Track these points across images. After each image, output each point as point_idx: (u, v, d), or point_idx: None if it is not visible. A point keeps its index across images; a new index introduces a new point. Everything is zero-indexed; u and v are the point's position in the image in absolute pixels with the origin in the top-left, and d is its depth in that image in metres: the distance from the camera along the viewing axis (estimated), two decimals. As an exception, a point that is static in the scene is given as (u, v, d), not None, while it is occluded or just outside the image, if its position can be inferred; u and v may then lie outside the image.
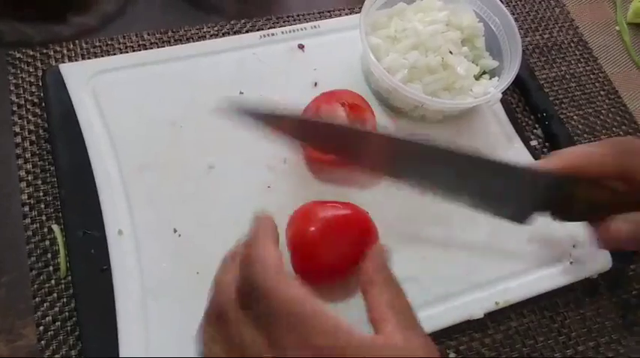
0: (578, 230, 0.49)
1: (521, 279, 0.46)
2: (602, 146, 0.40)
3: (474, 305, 0.45)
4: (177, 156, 0.47)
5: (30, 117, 0.49)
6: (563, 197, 0.39)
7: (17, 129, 0.48)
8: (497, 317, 0.46)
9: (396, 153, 0.38)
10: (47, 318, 0.41)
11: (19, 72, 0.51)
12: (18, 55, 0.51)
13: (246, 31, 0.57)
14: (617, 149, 0.39)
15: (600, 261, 0.48)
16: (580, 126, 0.58)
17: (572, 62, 0.63)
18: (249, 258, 0.30)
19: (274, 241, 0.32)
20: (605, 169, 0.38)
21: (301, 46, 0.55)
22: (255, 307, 0.28)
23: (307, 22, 0.58)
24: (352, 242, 0.41)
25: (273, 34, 0.55)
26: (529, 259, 0.47)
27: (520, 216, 0.40)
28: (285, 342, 0.26)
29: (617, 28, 0.67)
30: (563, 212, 0.40)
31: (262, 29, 0.57)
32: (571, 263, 0.48)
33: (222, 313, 0.29)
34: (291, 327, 0.26)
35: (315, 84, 0.53)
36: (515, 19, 0.63)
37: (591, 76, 0.62)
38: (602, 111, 0.60)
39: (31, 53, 0.52)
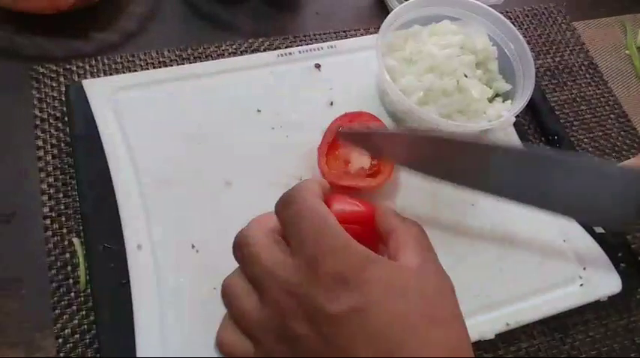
0: (588, 252, 0.50)
1: (532, 301, 0.47)
2: None
3: (484, 325, 0.45)
4: (195, 172, 0.48)
5: (52, 131, 0.50)
6: None
7: (40, 143, 0.49)
8: (507, 338, 0.47)
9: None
10: (66, 331, 0.42)
11: (42, 86, 0.52)
12: (41, 70, 0.53)
13: (264, 50, 0.59)
14: None
15: (610, 284, 0.49)
16: (590, 149, 0.59)
17: (583, 85, 0.64)
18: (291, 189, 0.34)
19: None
20: None
21: (318, 66, 0.56)
22: (286, 210, 0.32)
23: (324, 41, 0.59)
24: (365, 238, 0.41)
25: (290, 54, 0.56)
26: (540, 281, 0.48)
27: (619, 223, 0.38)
28: (304, 240, 0.30)
29: (627, 52, 0.68)
30: None
31: (280, 48, 0.59)
32: (581, 285, 0.48)
33: (252, 238, 0.32)
34: (311, 229, 0.30)
35: (331, 103, 0.54)
36: (527, 42, 0.64)
37: (601, 99, 0.63)
38: (612, 134, 0.61)
39: (54, 68, 0.53)
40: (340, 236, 0.30)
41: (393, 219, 0.35)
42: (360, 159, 0.49)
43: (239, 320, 0.32)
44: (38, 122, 0.50)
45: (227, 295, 0.33)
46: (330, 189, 0.38)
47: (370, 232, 0.41)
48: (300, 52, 0.57)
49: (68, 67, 0.53)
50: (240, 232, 0.34)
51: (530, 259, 0.49)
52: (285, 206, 0.33)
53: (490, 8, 0.55)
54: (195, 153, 0.49)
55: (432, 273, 0.32)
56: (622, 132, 0.61)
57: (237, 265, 0.35)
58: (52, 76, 0.53)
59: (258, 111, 0.52)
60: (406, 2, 0.54)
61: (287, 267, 0.30)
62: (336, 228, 0.31)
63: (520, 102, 0.51)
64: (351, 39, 0.59)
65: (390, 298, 0.28)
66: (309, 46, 0.57)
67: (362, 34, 0.62)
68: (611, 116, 0.62)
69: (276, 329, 0.30)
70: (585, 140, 0.60)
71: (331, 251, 0.29)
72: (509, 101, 0.53)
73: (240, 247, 0.33)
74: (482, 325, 0.45)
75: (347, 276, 0.28)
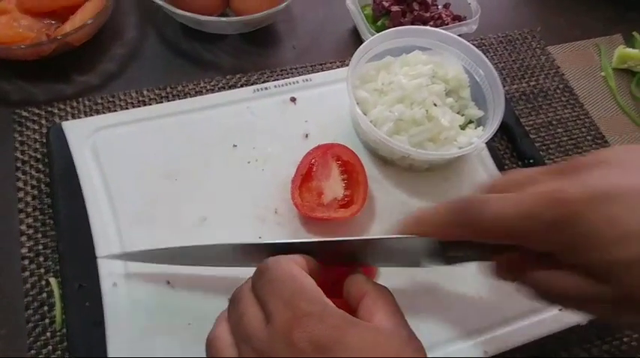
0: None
1: (510, 327, 0.47)
2: (443, 208, 0.35)
3: (461, 354, 0.45)
4: (171, 208, 0.49)
5: (33, 172, 0.51)
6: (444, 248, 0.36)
7: (20, 185, 0.50)
8: (487, 366, 0.46)
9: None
10: (42, 371, 0.42)
11: (24, 129, 0.53)
12: (24, 114, 0.54)
13: (241, 85, 0.60)
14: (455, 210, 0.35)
15: (590, 308, 0.48)
16: (568, 171, 0.59)
17: (559, 108, 0.64)
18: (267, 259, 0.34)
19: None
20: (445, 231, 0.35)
21: (293, 99, 0.57)
22: (260, 278, 0.32)
23: (299, 74, 0.61)
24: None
25: (266, 88, 0.58)
26: (517, 306, 0.48)
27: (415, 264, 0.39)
28: (273, 306, 0.30)
29: (602, 74, 0.69)
30: (450, 259, 0.37)
31: (256, 83, 0.60)
32: (560, 309, 0.48)
33: (237, 296, 0.34)
34: (280, 292, 0.31)
35: (307, 135, 0.55)
36: (502, 67, 0.66)
37: (577, 122, 0.64)
38: (590, 155, 0.61)
39: (37, 111, 0.55)
40: (316, 299, 0.30)
41: (364, 283, 0.35)
42: (333, 190, 0.50)
43: None
44: (19, 164, 0.51)
45: (211, 348, 0.33)
46: (319, 267, 0.36)
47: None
48: (275, 86, 0.58)
49: (50, 109, 0.55)
50: (239, 287, 0.35)
51: (508, 285, 0.49)
52: (259, 274, 0.33)
53: (460, 38, 0.57)
54: (172, 189, 0.50)
55: (406, 338, 0.32)
56: (600, 154, 0.61)
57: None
58: (34, 119, 0.54)
59: (234, 146, 0.53)
60: (377, 34, 0.56)
61: (262, 333, 0.30)
62: (312, 292, 0.31)
63: (490, 129, 0.51)
64: (326, 72, 0.61)
65: None
66: (285, 79, 0.59)
67: (338, 67, 0.63)
68: (588, 138, 0.62)
69: None
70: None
71: (307, 316, 0.29)
72: (482, 127, 0.54)
73: (232, 302, 0.34)
74: (459, 353, 0.45)
75: (325, 343, 0.28)
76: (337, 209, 0.49)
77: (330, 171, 0.51)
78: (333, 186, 0.50)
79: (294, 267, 0.33)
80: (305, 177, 0.50)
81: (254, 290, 0.33)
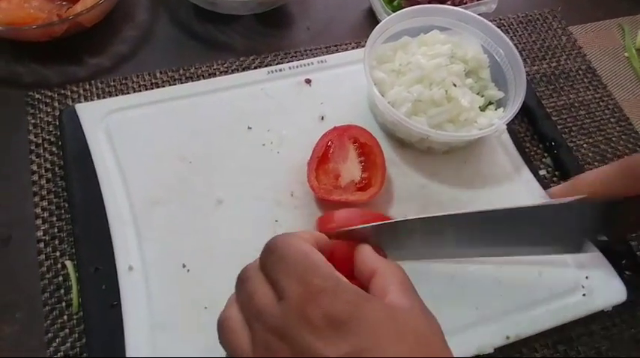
0: (590, 261, 0.48)
1: (533, 312, 0.46)
2: (608, 168, 0.42)
3: (482, 339, 0.44)
4: (186, 191, 0.48)
5: (47, 155, 0.51)
6: (610, 220, 0.39)
7: (34, 168, 0.50)
8: (507, 351, 0.45)
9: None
10: (59, 354, 0.42)
11: (37, 112, 0.53)
12: (37, 96, 0.54)
13: (255, 67, 0.59)
14: (622, 166, 0.41)
15: (614, 294, 0.47)
16: (590, 154, 0.58)
17: (581, 90, 0.63)
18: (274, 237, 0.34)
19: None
20: (613, 188, 0.40)
21: (308, 81, 0.56)
22: (270, 257, 0.32)
23: (314, 56, 0.60)
24: None
25: (280, 70, 0.57)
26: (540, 291, 0.47)
27: (575, 247, 0.40)
28: (286, 283, 0.30)
29: (625, 54, 0.67)
30: (616, 233, 0.41)
31: (270, 65, 0.59)
32: (584, 295, 0.47)
33: (245, 275, 0.33)
34: (292, 270, 0.30)
35: (322, 118, 0.54)
36: (522, 48, 0.64)
37: (600, 103, 0.62)
38: (613, 138, 0.59)
39: (49, 94, 0.54)
40: (329, 275, 0.30)
41: (374, 259, 0.34)
42: (351, 173, 0.49)
43: (234, 355, 0.32)
44: (33, 147, 0.51)
45: (223, 329, 0.33)
46: (328, 240, 0.37)
47: None
48: (290, 67, 0.57)
49: (63, 92, 0.54)
50: (245, 267, 0.34)
51: (530, 269, 0.48)
52: (268, 252, 0.32)
53: (479, 16, 0.55)
54: (187, 172, 0.49)
55: (422, 314, 0.31)
56: (623, 136, 0.60)
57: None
58: (47, 101, 0.54)
59: (249, 128, 0.52)
60: (394, 14, 0.54)
61: (275, 310, 0.30)
62: (324, 268, 0.30)
63: (511, 110, 0.50)
64: (341, 53, 0.60)
65: (388, 340, 0.28)
66: (300, 61, 0.57)
67: (353, 48, 0.62)
68: (612, 120, 0.61)
69: None
70: (585, 145, 0.58)
71: (321, 292, 0.29)
72: (502, 109, 0.52)
73: (240, 281, 0.34)
74: (480, 338, 0.44)
75: (341, 318, 0.28)
76: (354, 192, 0.48)
77: (347, 154, 0.50)
78: (351, 169, 0.49)
79: (305, 243, 0.32)
80: (321, 159, 0.49)
81: (263, 268, 0.33)
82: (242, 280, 0.34)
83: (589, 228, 0.39)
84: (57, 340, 0.43)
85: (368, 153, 0.50)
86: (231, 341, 0.32)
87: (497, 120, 0.50)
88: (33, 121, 0.52)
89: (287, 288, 0.30)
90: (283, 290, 0.30)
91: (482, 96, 0.53)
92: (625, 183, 0.41)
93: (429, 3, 0.62)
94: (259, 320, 0.30)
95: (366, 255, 0.35)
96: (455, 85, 0.50)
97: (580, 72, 0.64)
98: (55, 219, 0.47)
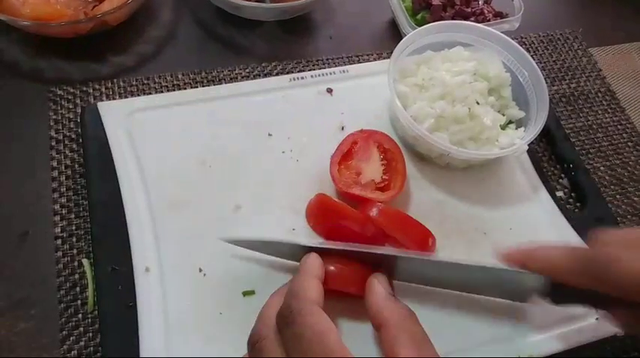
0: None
1: (546, 334, 0.46)
2: (568, 252, 0.38)
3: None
4: (206, 195, 0.48)
5: (67, 152, 0.51)
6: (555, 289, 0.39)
7: (54, 164, 0.50)
8: (519, 372, 0.45)
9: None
10: (73, 352, 0.42)
11: (59, 108, 0.53)
12: (59, 92, 0.54)
13: (277, 74, 0.59)
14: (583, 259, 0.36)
15: (627, 319, 0.47)
16: (607, 178, 0.58)
17: (600, 112, 0.63)
18: (292, 288, 0.35)
19: (318, 277, 0.37)
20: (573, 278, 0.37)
21: (330, 90, 0.56)
22: (287, 330, 0.32)
23: (336, 66, 0.60)
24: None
25: (302, 78, 0.57)
26: (554, 314, 0.47)
27: (520, 299, 0.42)
28: None
29: (645, 78, 0.67)
30: (559, 299, 0.40)
31: (292, 72, 0.59)
32: (597, 319, 0.47)
33: (261, 336, 0.34)
34: (307, 348, 0.31)
35: (342, 127, 0.54)
36: (542, 68, 0.64)
37: (619, 127, 0.62)
38: (630, 162, 0.59)
39: (72, 90, 0.54)
40: (340, 354, 0.31)
41: (383, 306, 0.35)
42: (372, 172, 0.49)
43: None
44: (54, 143, 0.51)
45: None
46: (322, 265, 0.39)
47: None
48: (312, 76, 0.57)
49: (85, 89, 0.55)
50: (261, 323, 0.35)
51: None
52: (286, 324, 0.33)
53: (503, 35, 0.55)
54: (206, 176, 0.49)
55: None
56: (640, 161, 0.60)
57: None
58: (69, 97, 0.54)
59: (270, 134, 0.53)
60: (419, 28, 0.55)
61: None
62: (336, 346, 0.31)
63: (533, 131, 0.50)
64: (363, 64, 0.60)
65: None
66: (322, 70, 0.58)
67: (374, 59, 0.62)
68: (629, 144, 0.61)
69: None
70: (602, 168, 0.58)
71: None
72: (522, 128, 0.52)
73: (254, 347, 0.34)
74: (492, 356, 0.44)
75: None
76: (374, 190, 0.48)
77: (371, 155, 0.50)
78: (372, 169, 0.49)
79: (321, 321, 0.33)
80: (345, 155, 0.50)
81: (281, 333, 0.33)
82: (257, 347, 0.34)
83: (529, 294, 0.40)
84: (71, 338, 0.43)
85: (390, 159, 0.50)
86: None
87: (519, 140, 0.50)
88: (54, 117, 0.52)
89: None
90: None
91: (503, 114, 0.53)
92: (578, 279, 0.36)
93: (453, 18, 0.62)
94: None
95: (377, 297, 0.36)
96: (478, 103, 0.50)
97: (599, 94, 0.64)
98: (73, 216, 0.48)
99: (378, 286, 0.37)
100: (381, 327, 0.34)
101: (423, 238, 0.46)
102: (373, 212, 0.45)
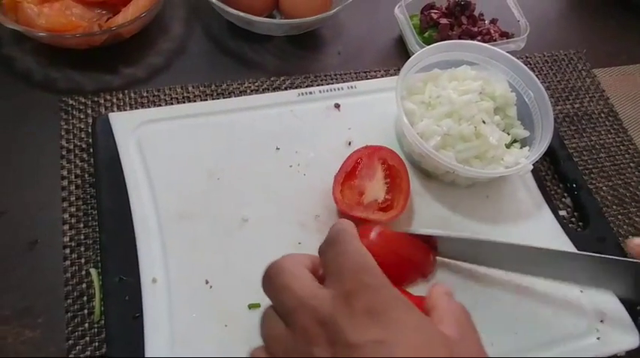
0: (606, 304, 0.49)
1: (547, 352, 0.46)
2: None
3: (497, 376, 0.44)
4: (213, 207, 0.49)
5: (77, 161, 0.51)
6: None
7: (65, 173, 0.50)
8: (520, 391, 0.45)
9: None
10: (78, 362, 0.42)
11: (70, 118, 0.54)
12: (71, 102, 0.55)
13: (285, 88, 0.60)
14: None
15: (628, 339, 0.48)
16: (609, 198, 0.59)
17: (602, 132, 0.64)
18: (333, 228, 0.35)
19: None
20: None
21: (337, 106, 0.57)
22: (332, 250, 0.33)
23: (344, 81, 0.61)
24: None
25: (311, 93, 0.58)
26: (554, 332, 0.47)
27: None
28: (345, 276, 0.31)
29: (648, 100, 0.68)
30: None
31: (300, 87, 0.60)
32: (598, 338, 0.47)
33: (279, 267, 0.34)
34: (353, 266, 0.31)
35: (349, 143, 0.55)
36: (547, 88, 0.65)
37: (621, 147, 0.63)
38: (632, 183, 0.60)
39: (83, 100, 0.55)
40: (379, 276, 0.31)
41: (437, 296, 0.36)
42: (375, 192, 0.50)
43: (269, 345, 0.33)
44: (64, 152, 0.52)
45: (261, 324, 0.34)
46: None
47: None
48: (320, 91, 0.58)
49: (96, 99, 0.55)
50: (271, 263, 0.35)
51: (545, 309, 0.48)
52: (331, 245, 0.34)
53: (509, 55, 0.56)
54: (214, 188, 0.50)
55: (473, 345, 0.32)
56: (642, 182, 0.61)
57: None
58: (81, 108, 0.55)
59: (277, 148, 0.53)
60: (427, 47, 0.55)
61: (319, 297, 0.31)
62: (375, 269, 0.32)
63: (538, 150, 0.51)
64: (371, 80, 0.61)
65: (414, 337, 0.29)
66: (330, 85, 0.58)
67: (382, 76, 0.63)
68: (631, 165, 0.61)
69: (301, 353, 0.30)
70: (604, 188, 0.59)
71: (368, 287, 0.30)
72: (527, 147, 0.53)
73: (271, 277, 0.34)
74: (494, 375, 0.44)
75: (378, 311, 0.29)
76: (375, 211, 0.48)
77: (374, 173, 0.51)
78: (375, 188, 0.50)
79: (361, 244, 0.33)
80: (348, 175, 0.50)
81: (323, 255, 0.34)
82: (274, 274, 0.34)
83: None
84: (77, 348, 0.43)
85: (394, 176, 0.51)
86: (266, 332, 0.33)
87: (524, 159, 0.51)
88: (65, 127, 0.53)
89: (340, 280, 0.31)
90: (336, 281, 0.31)
91: (509, 133, 0.54)
92: None
93: (459, 38, 0.63)
94: (302, 306, 0.31)
95: (436, 291, 0.36)
96: (484, 122, 0.51)
97: (602, 115, 0.65)
98: (82, 225, 0.48)
99: (440, 286, 0.37)
100: (431, 310, 0.35)
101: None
102: (372, 235, 0.44)
